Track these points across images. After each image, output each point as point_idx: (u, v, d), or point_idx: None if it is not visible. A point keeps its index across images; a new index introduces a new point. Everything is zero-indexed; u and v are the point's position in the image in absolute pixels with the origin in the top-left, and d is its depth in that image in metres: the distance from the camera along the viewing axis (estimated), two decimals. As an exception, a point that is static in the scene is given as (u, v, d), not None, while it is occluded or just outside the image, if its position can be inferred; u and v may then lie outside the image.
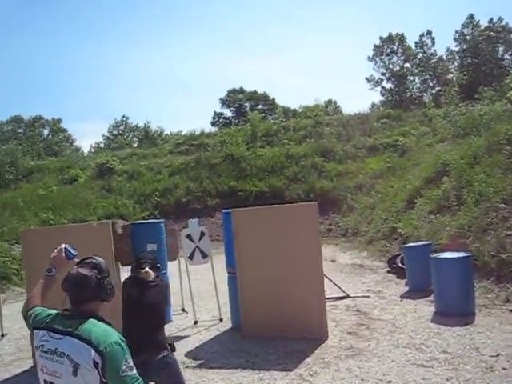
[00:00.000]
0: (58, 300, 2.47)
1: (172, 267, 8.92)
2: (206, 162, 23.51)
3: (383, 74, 38.08)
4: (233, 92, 40.56)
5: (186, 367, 5.97)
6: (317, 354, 5.96)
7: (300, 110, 35.15)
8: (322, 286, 6.70)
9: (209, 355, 6.36)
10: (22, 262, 6.95)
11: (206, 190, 21.89)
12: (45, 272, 2.67)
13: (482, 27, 34.68)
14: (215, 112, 41.18)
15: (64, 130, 41.64)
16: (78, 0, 79.07)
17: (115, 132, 40.29)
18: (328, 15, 79.86)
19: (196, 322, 8.09)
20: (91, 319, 2.26)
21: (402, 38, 37.24)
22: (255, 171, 22.35)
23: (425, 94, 37.18)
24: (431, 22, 68.99)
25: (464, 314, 6.88)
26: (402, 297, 8.62)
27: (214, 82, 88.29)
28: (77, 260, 3.04)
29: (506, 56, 35.03)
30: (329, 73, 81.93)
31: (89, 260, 2.45)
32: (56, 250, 2.80)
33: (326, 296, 8.99)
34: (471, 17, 35.24)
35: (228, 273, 7.55)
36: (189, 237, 8.02)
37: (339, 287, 9.04)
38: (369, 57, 38.04)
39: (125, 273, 8.88)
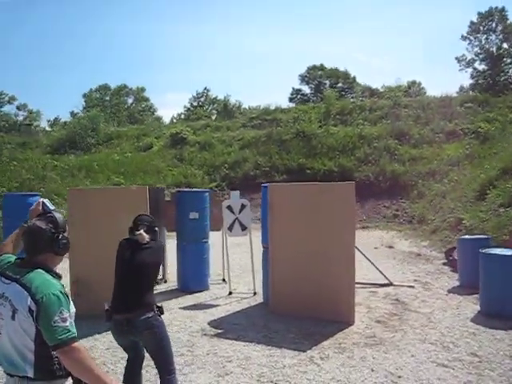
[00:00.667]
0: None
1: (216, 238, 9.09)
2: (277, 137, 23.34)
3: (477, 54, 35.26)
4: (313, 68, 39.65)
5: (204, 335, 6.08)
6: (336, 338, 5.77)
7: (382, 90, 33.69)
8: (353, 270, 6.43)
9: (230, 326, 6.40)
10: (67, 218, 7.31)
11: (274, 165, 21.77)
12: (21, 223, 2.75)
13: None
14: (293, 88, 40.67)
15: (147, 99, 43.41)
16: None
17: (195, 103, 41.28)
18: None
19: (230, 293, 8.15)
20: (39, 269, 2.33)
21: (503, 14, 34.06)
22: (325, 150, 21.87)
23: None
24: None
25: (510, 317, 6.31)
26: (450, 291, 8.08)
27: (295, 58, 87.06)
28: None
29: None
30: (416, 52, 77.48)
31: (48, 215, 2.49)
32: (35, 204, 2.90)
33: (368, 282, 8.78)
34: None
35: (263, 247, 7.49)
36: (229, 208, 8.02)
37: (383, 274, 8.66)
38: (462, 35, 35.36)
39: (171, 239, 9.24)
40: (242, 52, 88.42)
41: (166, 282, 9.30)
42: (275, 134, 23.55)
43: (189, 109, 41.69)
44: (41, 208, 2.84)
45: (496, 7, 34.12)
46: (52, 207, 2.97)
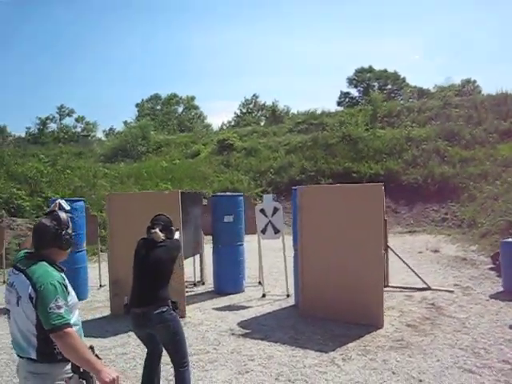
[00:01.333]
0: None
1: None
2: (323, 141, 23.22)
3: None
4: (361, 71, 39.08)
5: (232, 334, 6.21)
6: (362, 340, 5.73)
7: (433, 91, 32.70)
8: (382, 272, 6.38)
9: (258, 327, 6.49)
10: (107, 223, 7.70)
11: (320, 169, 21.64)
12: None
13: None
14: (341, 92, 40.28)
15: (197, 107, 44.44)
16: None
17: (244, 110, 41.78)
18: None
19: (264, 296, 8.24)
20: (43, 262, 2.57)
21: None
22: (372, 153, 21.53)
23: None
24: None
25: (552, 324, 6.01)
26: (492, 297, 7.76)
27: (343, 61, 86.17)
28: (70, 215, 3.44)
29: None
30: (471, 49, 74.40)
31: (54, 213, 2.71)
32: (53, 205, 3.18)
33: (405, 285, 8.60)
34: None
35: (294, 250, 7.53)
36: (262, 211, 8.13)
37: (420, 277, 8.45)
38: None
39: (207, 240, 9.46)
40: (292, 57, 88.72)
41: (203, 284, 9.54)
42: (321, 138, 23.44)
43: (238, 115, 42.25)
44: (57, 208, 3.10)
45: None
46: (67, 207, 3.26)
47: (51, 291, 2.41)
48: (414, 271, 8.59)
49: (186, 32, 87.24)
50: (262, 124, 35.92)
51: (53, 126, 42.62)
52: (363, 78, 38.99)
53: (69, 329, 2.38)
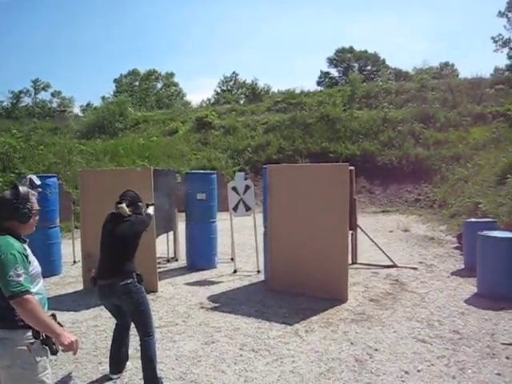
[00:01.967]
0: None
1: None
2: (301, 120, 23.34)
3: (517, 32, 33.77)
4: (341, 51, 39.09)
5: (202, 307, 6.40)
6: (325, 314, 5.98)
7: (412, 73, 32.95)
8: (347, 249, 6.59)
9: (227, 301, 6.69)
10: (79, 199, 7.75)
11: (297, 149, 21.82)
12: None
13: None
14: (321, 71, 40.33)
15: (176, 84, 43.93)
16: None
17: (224, 88, 41.50)
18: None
19: (235, 271, 8.45)
20: (7, 235, 2.68)
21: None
22: (349, 133, 21.78)
23: None
24: None
25: (505, 299, 6.32)
26: (453, 273, 8.11)
27: (324, 41, 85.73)
28: (40, 190, 3.54)
29: None
30: (450, 32, 74.85)
31: (13, 188, 2.80)
32: (24, 179, 3.29)
33: (372, 263, 8.90)
34: None
35: (264, 227, 7.71)
36: (234, 189, 8.27)
37: (387, 256, 8.75)
38: (500, 12, 33.92)
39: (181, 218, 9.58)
40: (273, 35, 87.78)
41: (176, 260, 9.70)
42: (299, 117, 23.54)
43: (217, 93, 41.95)
44: (28, 183, 3.21)
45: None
46: (38, 182, 3.39)
47: (11, 260, 2.52)
48: (381, 249, 8.89)
49: (166, 6, 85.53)
50: (242, 102, 35.78)
51: (27, 101, 41.81)
52: (343, 58, 39.02)
53: (28, 295, 2.50)
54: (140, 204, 4.26)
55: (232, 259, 9.31)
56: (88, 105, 42.97)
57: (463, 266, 8.50)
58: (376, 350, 4.82)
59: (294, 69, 79.74)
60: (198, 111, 26.61)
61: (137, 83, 42.45)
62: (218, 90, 43.06)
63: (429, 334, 5.25)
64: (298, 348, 4.92)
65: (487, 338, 5.08)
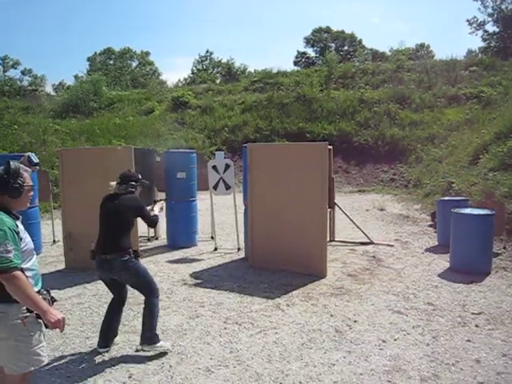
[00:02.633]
0: None
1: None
2: (278, 100, 23.35)
3: (490, 15, 34.17)
4: (318, 31, 39.01)
5: (184, 284, 6.52)
6: (306, 288, 6.16)
7: (389, 54, 33.22)
8: (325, 227, 6.76)
9: (209, 277, 6.82)
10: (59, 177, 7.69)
11: (274, 129, 21.87)
12: None
13: None
14: (298, 51, 40.20)
15: (151, 63, 43.18)
16: None
17: (200, 67, 40.99)
18: None
19: (216, 249, 8.56)
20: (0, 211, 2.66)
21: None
22: (326, 114, 21.93)
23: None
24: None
25: (476, 273, 6.65)
26: (427, 250, 8.41)
27: (301, 21, 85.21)
28: (37, 168, 3.62)
29: None
30: (427, 14, 75.41)
31: (6, 164, 2.82)
32: (22, 158, 3.35)
33: (350, 240, 9.13)
34: None
35: (244, 205, 7.82)
36: (214, 168, 8.32)
37: (364, 233, 9.00)
38: (474, -6, 34.21)
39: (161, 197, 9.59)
40: (249, 14, 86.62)
41: (157, 239, 9.75)
42: (276, 97, 23.55)
43: (193, 73, 41.43)
44: (26, 160, 3.31)
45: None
46: (36, 160, 3.49)
47: (0, 236, 2.55)
48: (358, 227, 9.13)
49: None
50: (218, 82, 35.48)
51: (-5, 78, 40.46)
52: (320, 38, 38.94)
53: (16, 272, 2.54)
54: (132, 183, 4.36)
55: (212, 237, 9.40)
56: (61, 84, 41.93)
57: (437, 243, 8.82)
58: (355, 321, 5.03)
59: (271, 48, 79.30)
60: (174, 91, 26.30)
61: (111, 62, 41.54)
62: (194, 69, 42.53)
63: (404, 305, 5.50)
64: (280, 320, 5.09)
65: (458, 309, 5.35)
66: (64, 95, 26.47)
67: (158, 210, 4.67)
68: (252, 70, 38.56)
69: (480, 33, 35.05)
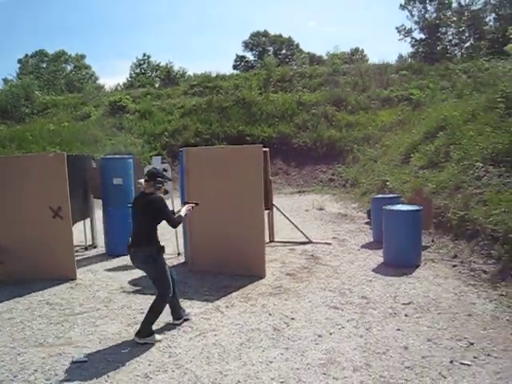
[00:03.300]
0: None
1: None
2: (218, 104, 23.41)
3: (417, 22, 36.01)
4: (256, 35, 39.46)
5: (123, 291, 6.43)
6: (245, 289, 6.24)
7: (326, 58, 34.14)
8: (263, 228, 6.88)
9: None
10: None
11: (214, 132, 21.92)
12: None
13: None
14: (237, 55, 40.44)
15: (88, 67, 41.85)
16: None
17: (137, 71, 40.19)
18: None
19: (156, 255, 8.45)
20: None
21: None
22: (265, 117, 22.24)
23: (457, 48, 35.19)
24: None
25: (407, 266, 6.99)
26: (363, 247, 8.74)
27: (239, 24, 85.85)
28: None
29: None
30: (361, 20, 78.37)
31: None
32: None
33: (289, 240, 9.32)
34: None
35: (183, 210, 7.79)
36: (152, 173, 8.22)
37: (303, 233, 9.21)
38: (401, 5, 35.96)
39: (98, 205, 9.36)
40: (187, 17, 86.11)
41: (95, 247, 9.50)
42: (215, 101, 23.61)
43: (132, 76, 40.56)
44: None
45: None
46: None
47: None
48: (297, 227, 9.34)
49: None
50: (157, 86, 34.98)
51: None
52: (259, 42, 39.38)
53: None
54: (159, 179, 4.72)
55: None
56: (-12, 87, 39.68)
57: (372, 240, 9.18)
58: (292, 318, 5.16)
59: (210, 52, 79.21)
60: (112, 95, 25.70)
61: (44, 65, 39.82)
62: (133, 73, 41.64)
63: (340, 301, 5.70)
64: (220, 322, 5.13)
65: (390, 301, 5.62)
66: (-8, 100, 25.12)
67: (185, 211, 5.10)
68: (191, 74, 38.33)
69: (408, 39, 36.73)
